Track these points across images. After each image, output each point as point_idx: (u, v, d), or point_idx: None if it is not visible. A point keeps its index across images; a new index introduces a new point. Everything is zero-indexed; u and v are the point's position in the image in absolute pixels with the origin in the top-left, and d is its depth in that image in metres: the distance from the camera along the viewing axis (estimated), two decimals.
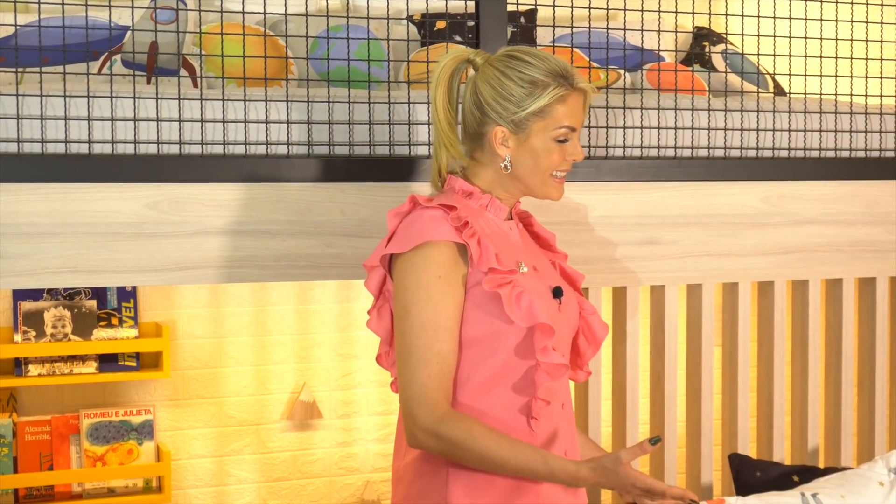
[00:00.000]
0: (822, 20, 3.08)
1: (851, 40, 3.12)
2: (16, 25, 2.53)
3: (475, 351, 2.21)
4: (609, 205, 2.87)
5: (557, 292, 2.27)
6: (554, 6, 2.83)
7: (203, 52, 3.12)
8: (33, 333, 4.00)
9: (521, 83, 2.24)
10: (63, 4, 2.45)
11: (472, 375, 2.22)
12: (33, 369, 4.01)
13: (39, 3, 2.46)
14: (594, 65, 3.29)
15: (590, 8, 2.83)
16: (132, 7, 2.61)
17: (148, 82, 2.93)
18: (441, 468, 2.24)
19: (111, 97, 2.47)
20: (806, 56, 3.07)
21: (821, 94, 3.09)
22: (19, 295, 4.01)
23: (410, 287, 2.18)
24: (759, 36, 3.02)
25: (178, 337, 4.25)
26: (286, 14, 2.67)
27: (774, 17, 3.02)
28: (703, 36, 3.86)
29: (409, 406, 2.16)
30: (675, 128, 2.92)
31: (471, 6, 2.77)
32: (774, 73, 3.10)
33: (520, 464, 2.13)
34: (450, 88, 2.30)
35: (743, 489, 2.97)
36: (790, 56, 3.05)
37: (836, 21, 3.11)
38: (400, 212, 2.24)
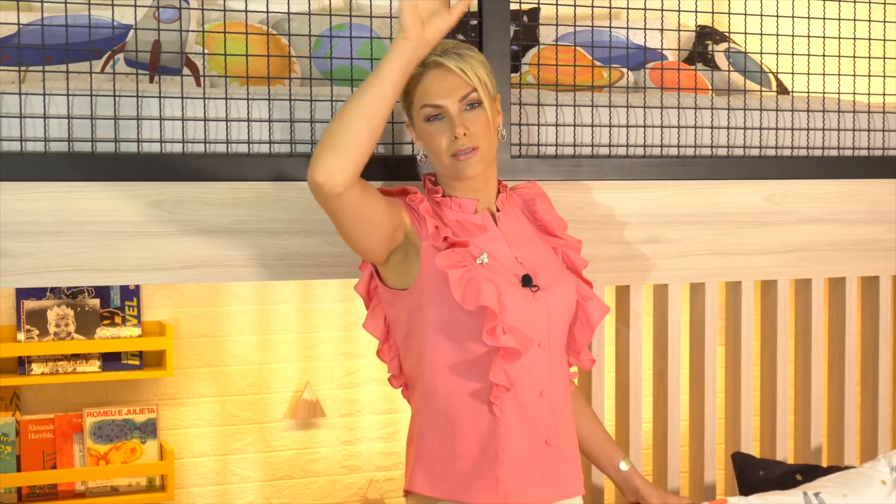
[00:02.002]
0: (824, 18, 3.08)
1: (854, 39, 3.12)
2: (18, 24, 2.53)
3: (440, 336, 2.27)
4: (612, 203, 2.87)
5: (526, 280, 2.30)
6: (557, 4, 2.82)
7: (206, 51, 3.12)
8: (36, 332, 4.01)
9: None
10: (66, 3, 2.44)
11: (438, 359, 2.28)
12: (36, 368, 4.01)
13: (42, 1, 2.45)
14: (597, 63, 3.29)
15: (593, 7, 2.83)
16: (135, 6, 2.61)
17: (151, 81, 2.93)
18: (410, 454, 2.34)
19: (114, 96, 2.47)
20: (809, 54, 3.06)
21: (824, 92, 3.08)
22: (22, 294, 4.02)
23: None
24: (761, 34, 3.02)
25: (181, 335, 4.26)
26: (289, 13, 2.67)
27: (777, 16, 3.01)
28: (705, 34, 3.86)
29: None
30: (678, 126, 2.92)
31: (474, 4, 2.77)
32: (777, 72, 3.10)
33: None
34: None
35: (746, 488, 2.97)
36: (793, 54, 3.05)
37: (839, 19, 3.10)
38: None
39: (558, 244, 2.47)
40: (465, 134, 2.24)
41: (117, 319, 4.11)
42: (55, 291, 4.04)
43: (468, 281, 2.20)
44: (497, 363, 2.22)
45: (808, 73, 3.07)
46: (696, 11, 2.94)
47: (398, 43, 2.10)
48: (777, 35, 3.02)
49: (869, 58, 3.13)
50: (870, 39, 3.14)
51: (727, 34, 3.70)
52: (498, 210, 2.38)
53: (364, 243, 2.23)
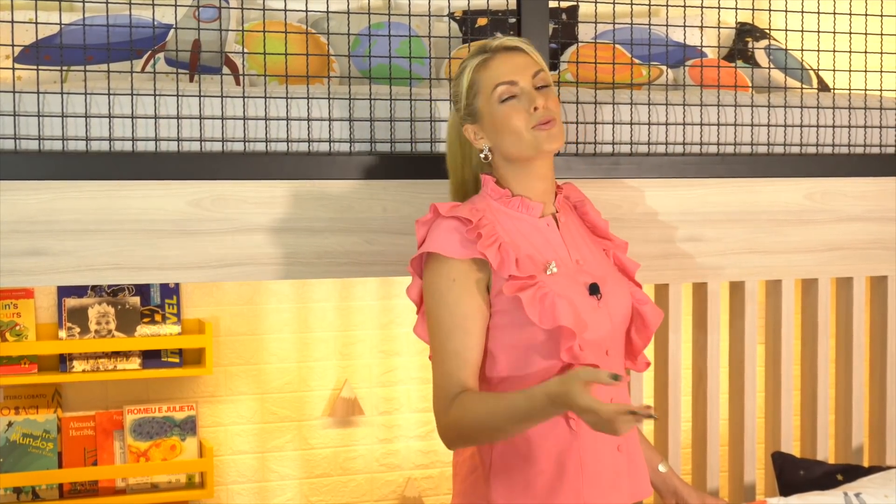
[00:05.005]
0: (866, 15, 3.06)
1: None
2: (60, 24, 2.55)
3: (510, 356, 2.23)
4: (651, 201, 2.86)
5: (594, 289, 2.27)
6: (596, 2, 2.82)
7: (245, 50, 3.13)
8: (77, 330, 4.04)
9: (454, 84, 2.33)
10: (107, 3, 2.47)
11: (509, 379, 2.24)
12: (78, 365, 4.04)
13: (84, 1, 2.48)
14: (636, 61, 3.28)
15: (632, 4, 2.82)
16: (175, 5, 2.62)
17: (191, 80, 2.94)
18: (484, 467, 2.27)
19: (154, 95, 2.48)
20: (850, 51, 3.04)
21: (865, 89, 3.06)
22: (64, 291, 4.05)
23: (429, 292, 2.24)
24: (802, 31, 2.99)
25: (221, 333, 4.28)
26: (328, 12, 2.68)
27: (818, 12, 2.99)
28: (746, 31, 3.84)
29: (433, 406, 2.21)
30: (718, 124, 2.91)
31: (512, 2, 2.77)
32: (818, 69, 3.08)
33: (507, 412, 2.09)
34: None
35: (786, 488, 2.95)
36: (834, 51, 3.03)
37: (881, 15, 3.08)
38: (425, 221, 2.28)
39: (609, 246, 2.45)
40: (543, 106, 2.24)
41: (157, 317, 4.13)
42: (96, 289, 4.07)
43: (540, 299, 2.17)
44: None
45: (850, 70, 3.05)
46: (737, 8, 2.93)
47: (556, 411, 2.06)
48: (818, 32, 3.00)
49: None
50: None
51: (767, 31, 3.68)
52: (556, 212, 2.35)
53: None
